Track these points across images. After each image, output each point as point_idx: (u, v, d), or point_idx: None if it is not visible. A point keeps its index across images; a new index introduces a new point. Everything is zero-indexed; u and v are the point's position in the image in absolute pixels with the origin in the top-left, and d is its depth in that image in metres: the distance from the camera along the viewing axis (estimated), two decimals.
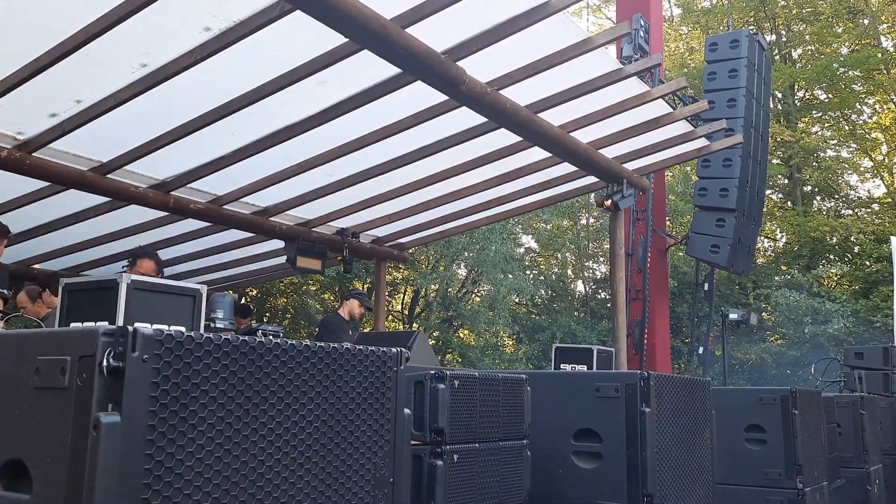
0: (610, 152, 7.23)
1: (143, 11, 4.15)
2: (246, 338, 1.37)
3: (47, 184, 6.18)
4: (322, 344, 1.54)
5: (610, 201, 7.42)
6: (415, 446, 2.15)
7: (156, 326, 3.04)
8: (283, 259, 8.35)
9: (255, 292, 17.78)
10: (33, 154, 5.66)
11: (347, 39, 4.67)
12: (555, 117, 6.30)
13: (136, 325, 1.19)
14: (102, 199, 6.69)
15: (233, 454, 1.33)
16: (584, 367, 6.74)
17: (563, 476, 2.86)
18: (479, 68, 5.30)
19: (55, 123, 5.43)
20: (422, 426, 2.16)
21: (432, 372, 2.16)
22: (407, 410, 1.73)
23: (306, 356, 1.49)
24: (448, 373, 2.19)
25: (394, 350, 1.71)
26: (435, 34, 4.83)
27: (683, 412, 3.07)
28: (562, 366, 6.97)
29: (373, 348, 1.66)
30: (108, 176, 6.23)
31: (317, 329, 8.28)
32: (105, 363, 1.17)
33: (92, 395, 1.17)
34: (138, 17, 4.20)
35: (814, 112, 23.25)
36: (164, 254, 8.22)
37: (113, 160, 6.06)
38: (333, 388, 1.54)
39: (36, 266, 8.74)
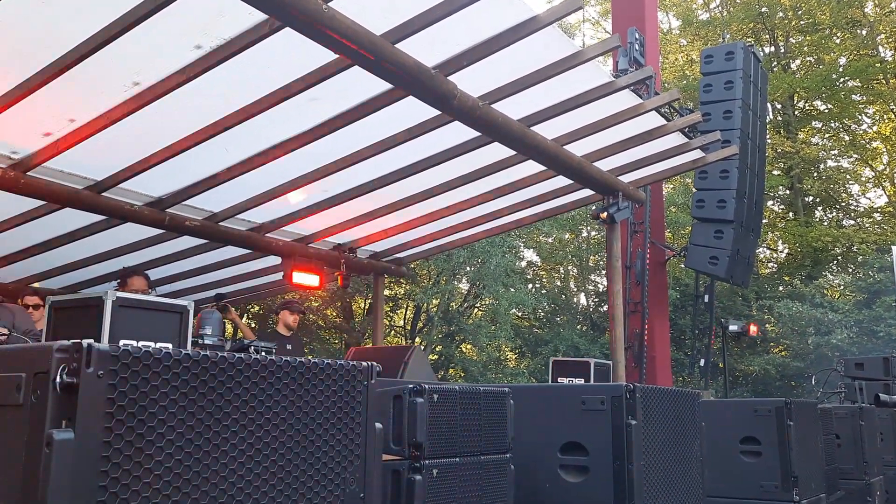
0: (604, 165, 7.23)
1: (133, 30, 4.18)
2: (206, 352, 1.36)
3: (43, 203, 6.21)
4: (288, 358, 1.53)
5: (606, 214, 7.41)
6: (393, 461, 2.14)
7: (142, 343, 3.04)
8: (280, 275, 8.35)
9: (257, 308, 17.78)
10: (28, 173, 5.69)
11: (338, 56, 4.70)
12: (548, 131, 6.31)
13: (90, 341, 1.19)
14: (98, 218, 6.71)
15: (193, 471, 1.32)
16: (582, 381, 6.72)
17: (550, 490, 2.84)
18: (471, 83, 5.32)
19: (49, 142, 5.46)
20: (401, 441, 2.15)
21: (410, 386, 2.15)
22: (378, 425, 1.72)
23: (271, 370, 1.48)
24: (427, 386, 2.18)
25: (364, 363, 1.70)
26: (425, 49, 4.85)
27: (672, 424, 3.05)
28: (559, 379, 6.95)
29: (341, 362, 1.65)
30: (103, 194, 6.25)
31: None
32: (59, 379, 1.17)
33: (46, 411, 1.16)
34: (129, 37, 4.24)
35: (813, 122, 23.27)
36: (161, 271, 8.25)
37: (108, 178, 6.09)
38: (300, 403, 1.54)
39: (34, 285, 8.75)
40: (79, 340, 1.20)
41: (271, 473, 1.46)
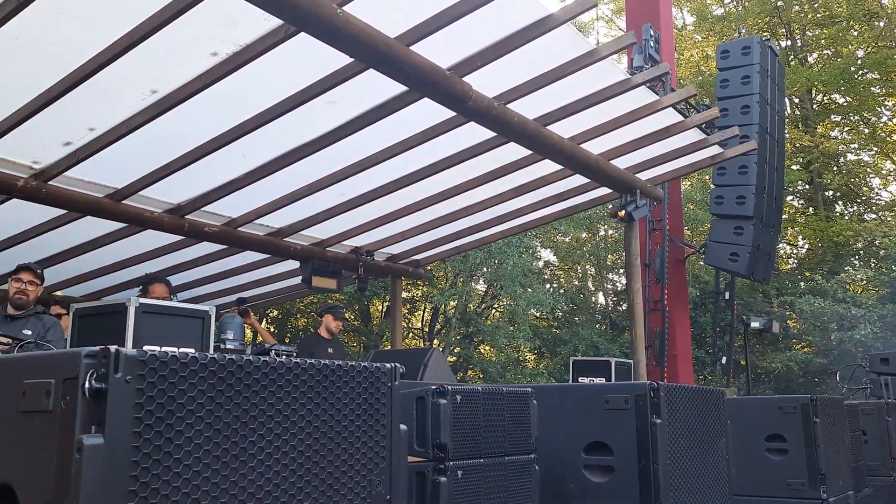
0: (622, 163, 7.20)
1: (150, 39, 4.21)
2: (232, 356, 1.37)
3: (64, 211, 6.28)
4: (312, 361, 1.53)
5: (624, 212, 7.37)
6: (418, 463, 2.13)
7: (165, 349, 3.06)
8: (298, 279, 8.38)
9: (275, 313, 17.86)
10: (49, 182, 5.76)
11: (353, 59, 4.71)
12: (564, 129, 6.29)
13: (117, 346, 1.19)
14: (119, 226, 6.78)
15: (221, 474, 1.33)
16: (603, 380, 6.68)
17: (575, 490, 2.82)
18: (486, 83, 5.31)
19: (70, 151, 5.52)
20: (424, 442, 2.14)
21: (433, 387, 2.14)
22: (403, 426, 1.71)
23: (296, 373, 1.48)
24: (450, 388, 2.17)
25: (388, 365, 1.70)
26: (440, 51, 4.85)
27: (697, 422, 3.02)
28: (580, 379, 6.92)
29: (365, 364, 1.65)
30: (123, 202, 6.31)
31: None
32: (87, 385, 1.17)
33: (75, 417, 1.17)
34: (146, 45, 4.27)
35: (832, 116, 23.00)
36: (181, 277, 8.31)
37: (127, 186, 6.15)
38: (325, 406, 1.53)
39: (57, 293, 8.84)
40: (106, 346, 1.20)
41: (298, 476, 1.46)
